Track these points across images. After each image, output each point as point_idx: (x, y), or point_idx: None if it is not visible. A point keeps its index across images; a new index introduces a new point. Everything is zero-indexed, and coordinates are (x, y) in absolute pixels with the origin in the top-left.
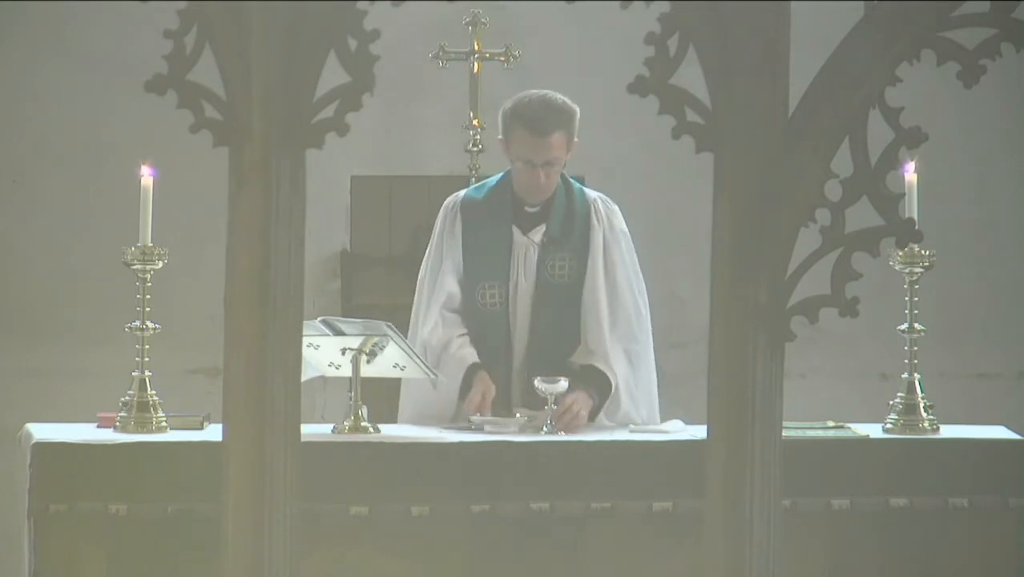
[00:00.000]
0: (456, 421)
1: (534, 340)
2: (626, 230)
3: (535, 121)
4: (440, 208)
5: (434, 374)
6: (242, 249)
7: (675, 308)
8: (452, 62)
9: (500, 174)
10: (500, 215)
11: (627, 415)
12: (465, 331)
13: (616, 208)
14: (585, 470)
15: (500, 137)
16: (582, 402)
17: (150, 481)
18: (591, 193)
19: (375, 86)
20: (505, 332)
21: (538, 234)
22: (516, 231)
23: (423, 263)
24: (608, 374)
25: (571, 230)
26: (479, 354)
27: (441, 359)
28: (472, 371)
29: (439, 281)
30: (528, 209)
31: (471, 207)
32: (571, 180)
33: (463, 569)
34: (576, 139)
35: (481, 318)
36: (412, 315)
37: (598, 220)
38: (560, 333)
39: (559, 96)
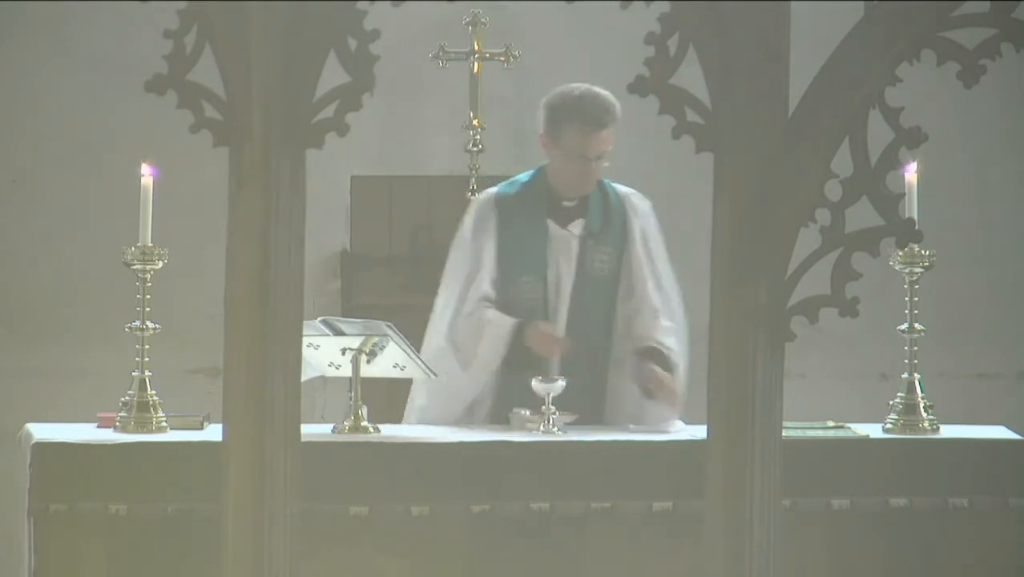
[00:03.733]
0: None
1: (571, 332)
2: (657, 224)
3: (590, 116)
4: (470, 208)
5: (434, 374)
6: (242, 249)
7: None
8: (452, 62)
9: (532, 171)
10: (535, 210)
11: (682, 397)
12: (489, 304)
13: (648, 203)
14: (585, 470)
15: (542, 132)
16: (655, 369)
17: (150, 481)
18: (622, 188)
19: (375, 86)
20: None
21: (577, 227)
22: (553, 225)
23: (452, 258)
24: (667, 353)
25: (609, 224)
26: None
27: (475, 332)
28: (519, 331)
29: (475, 282)
30: (565, 204)
31: (505, 203)
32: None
33: (463, 569)
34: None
35: (519, 313)
36: (438, 308)
37: (635, 213)
38: (598, 326)
39: (602, 90)
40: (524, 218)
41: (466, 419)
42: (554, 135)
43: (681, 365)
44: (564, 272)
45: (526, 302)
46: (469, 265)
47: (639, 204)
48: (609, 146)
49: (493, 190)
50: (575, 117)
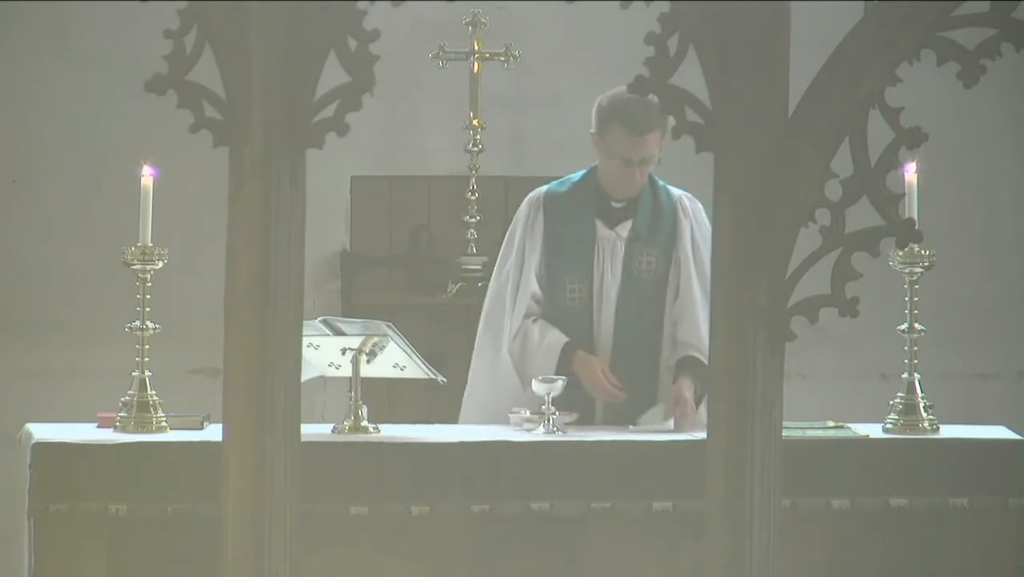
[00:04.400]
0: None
1: (619, 335)
2: (710, 226)
3: (635, 119)
4: (521, 206)
5: (434, 374)
6: (242, 249)
7: None
8: (452, 62)
9: (585, 170)
10: (584, 210)
11: None
12: (536, 316)
13: (700, 205)
14: (585, 470)
15: (593, 131)
16: (687, 389)
17: (150, 481)
18: (675, 190)
19: (375, 86)
20: (588, 327)
21: (625, 229)
22: (601, 225)
23: (502, 255)
24: (702, 360)
25: (658, 226)
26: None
27: (524, 351)
28: (567, 354)
29: (522, 281)
30: (614, 204)
31: (554, 202)
32: (654, 177)
33: (463, 569)
34: (666, 136)
35: (564, 314)
36: (486, 305)
37: (685, 216)
38: (643, 328)
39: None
40: (572, 218)
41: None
42: (601, 135)
43: None
44: (609, 274)
45: (571, 303)
46: (517, 267)
47: (690, 205)
48: (655, 151)
49: (543, 188)
50: (620, 119)
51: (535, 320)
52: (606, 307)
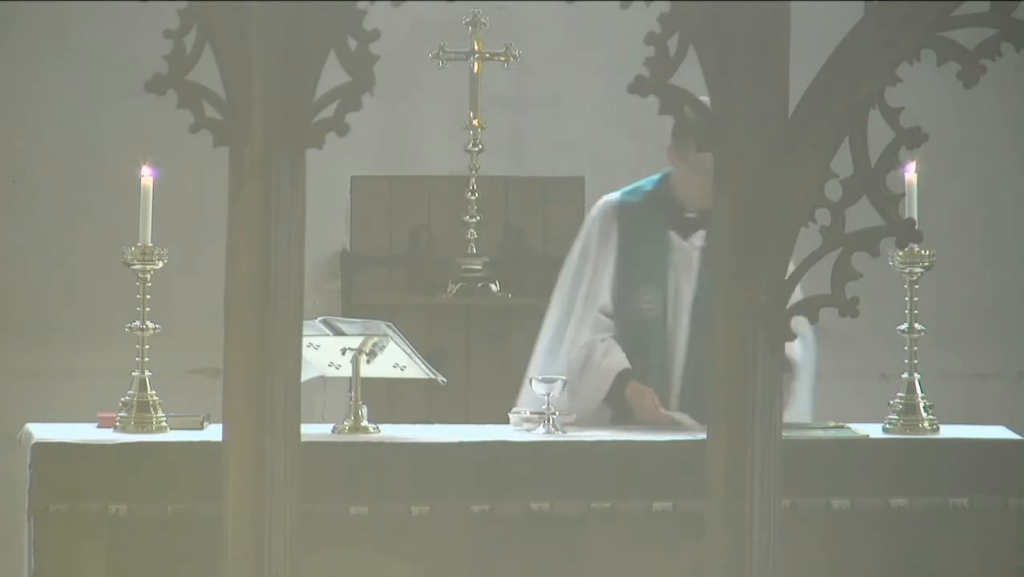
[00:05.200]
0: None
1: (693, 345)
2: None
3: None
4: (593, 211)
5: (434, 374)
6: (242, 249)
7: None
8: (452, 62)
9: (655, 177)
10: (658, 220)
11: (803, 402)
12: (608, 335)
13: None
14: (585, 470)
15: (669, 143)
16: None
17: (150, 481)
18: None
19: (375, 86)
20: (663, 338)
21: (699, 239)
22: (675, 236)
23: (569, 264)
24: (792, 362)
25: None
26: (633, 360)
27: (585, 366)
28: (621, 380)
29: (591, 289)
30: (688, 215)
31: (628, 211)
32: None
33: (463, 569)
34: None
35: (638, 325)
36: (555, 316)
37: None
38: None
39: None
40: (646, 229)
41: None
42: (681, 149)
43: (807, 372)
44: (684, 286)
45: (645, 315)
46: (588, 277)
47: None
48: None
49: (615, 197)
50: None
51: (603, 340)
52: (681, 318)
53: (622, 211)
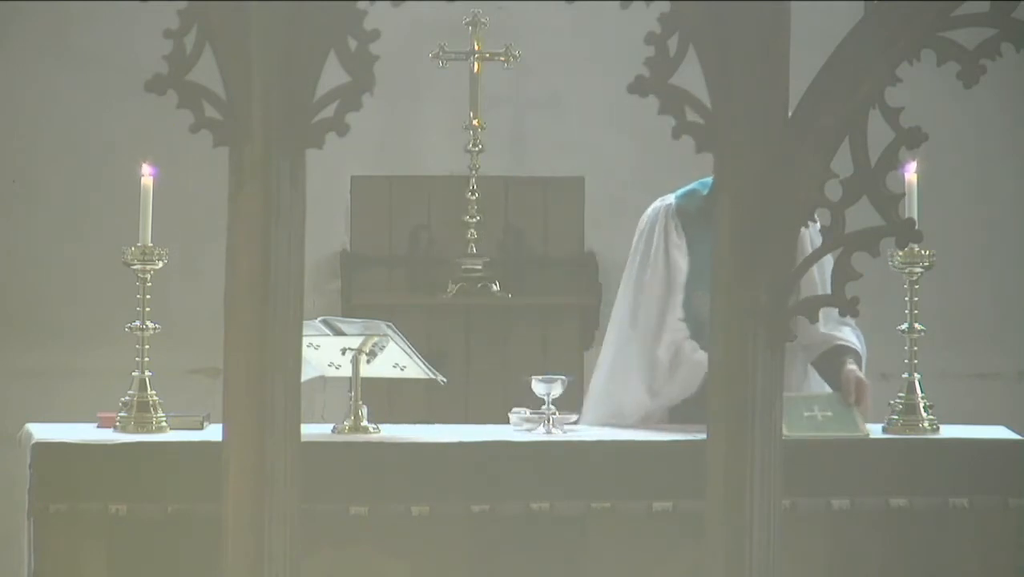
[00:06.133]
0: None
1: None
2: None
3: None
4: (649, 214)
5: (434, 374)
6: (242, 249)
7: None
8: (452, 62)
9: (707, 180)
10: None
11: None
12: (689, 334)
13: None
14: (585, 470)
15: None
16: (859, 370)
17: (150, 481)
18: None
19: (375, 86)
20: None
21: None
22: None
23: (638, 266)
24: (854, 347)
25: None
26: None
27: (674, 362)
28: None
29: (671, 287)
30: None
31: (686, 215)
32: None
33: (463, 569)
34: None
35: (703, 329)
36: (624, 321)
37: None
38: None
39: None
40: (706, 233)
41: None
42: None
43: (863, 359)
44: None
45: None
46: (662, 276)
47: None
48: None
49: (671, 199)
50: None
51: (687, 338)
52: None
53: (681, 214)
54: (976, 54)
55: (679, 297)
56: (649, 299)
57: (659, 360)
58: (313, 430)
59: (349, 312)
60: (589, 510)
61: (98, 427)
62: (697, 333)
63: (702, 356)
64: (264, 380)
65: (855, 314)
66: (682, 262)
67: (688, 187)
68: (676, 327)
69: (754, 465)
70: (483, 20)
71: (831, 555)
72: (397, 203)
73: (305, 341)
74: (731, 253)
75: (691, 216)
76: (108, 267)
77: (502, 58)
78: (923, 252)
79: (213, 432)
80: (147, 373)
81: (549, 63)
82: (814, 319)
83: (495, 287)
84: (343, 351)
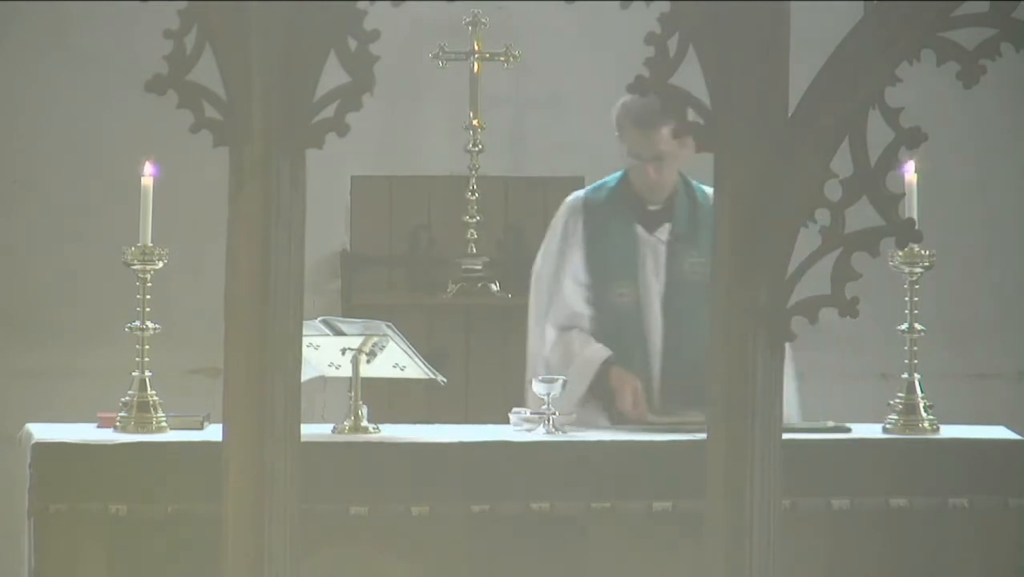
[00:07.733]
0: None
1: (668, 337)
2: None
3: (641, 114)
4: (560, 208)
5: (434, 374)
6: (242, 249)
7: None
8: (452, 62)
9: (618, 173)
10: (623, 215)
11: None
12: (578, 328)
13: None
14: (585, 470)
15: (616, 134)
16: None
17: (150, 481)
18: (710, 189)
19: (375, 86)
20: (640, 331)
21: (664, 232)
22: (640, 230)
23: (540, 260)
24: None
25: (698, 227)
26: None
27: (564, 359)
28: (605, 368)
29: (556, 287)
30: (650, 208)
31: (593, 208)
32: (688, 178)
33: (463, 569)
34: None
35: (616, 316)
36: (532, 314)
37: None
38: (693, 328)
39: None
40: (613, 223)
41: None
42: (620, 136)
43: (788, 369)
44: (653, 278)
45: (621, 309)
46: (557, 273)
47: None
48: (668, 147)
49: (580, 194)
50: (629, 116)
51: (575, 330)
52: (654, 311)
53: (587, 207)
54: (976, 54)
55: (574, 291)
56: (540, 291)
57: (549, 358)
58: (313, 430)
59: (349, 312)
60: (589, 510)
61: (98, 427)
62: (606, 326)
63: (592, 350)
64: (264, 380)
65: (855, 314)
66: (580, 254)
67: (601, 180)
68: (568, 320)
69: (754, 465)
70: (483, 20)
71: (831, 555)
72: (397, 203)
73: (305, 341)
74: (731, 253)
75: (598, 208)
76: (108, 267)
77: (502, 58)
78: (923, 252)
79: (213, 432)
80: (147, 373)
81: (549, 63)
82: (814, 319)
83: (495, 287)
84: (343, 351)
